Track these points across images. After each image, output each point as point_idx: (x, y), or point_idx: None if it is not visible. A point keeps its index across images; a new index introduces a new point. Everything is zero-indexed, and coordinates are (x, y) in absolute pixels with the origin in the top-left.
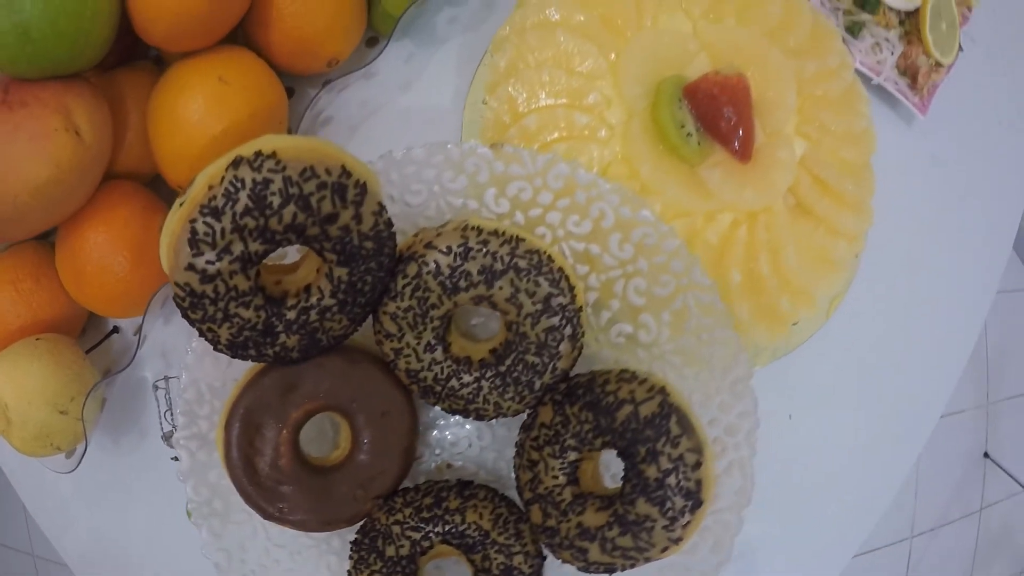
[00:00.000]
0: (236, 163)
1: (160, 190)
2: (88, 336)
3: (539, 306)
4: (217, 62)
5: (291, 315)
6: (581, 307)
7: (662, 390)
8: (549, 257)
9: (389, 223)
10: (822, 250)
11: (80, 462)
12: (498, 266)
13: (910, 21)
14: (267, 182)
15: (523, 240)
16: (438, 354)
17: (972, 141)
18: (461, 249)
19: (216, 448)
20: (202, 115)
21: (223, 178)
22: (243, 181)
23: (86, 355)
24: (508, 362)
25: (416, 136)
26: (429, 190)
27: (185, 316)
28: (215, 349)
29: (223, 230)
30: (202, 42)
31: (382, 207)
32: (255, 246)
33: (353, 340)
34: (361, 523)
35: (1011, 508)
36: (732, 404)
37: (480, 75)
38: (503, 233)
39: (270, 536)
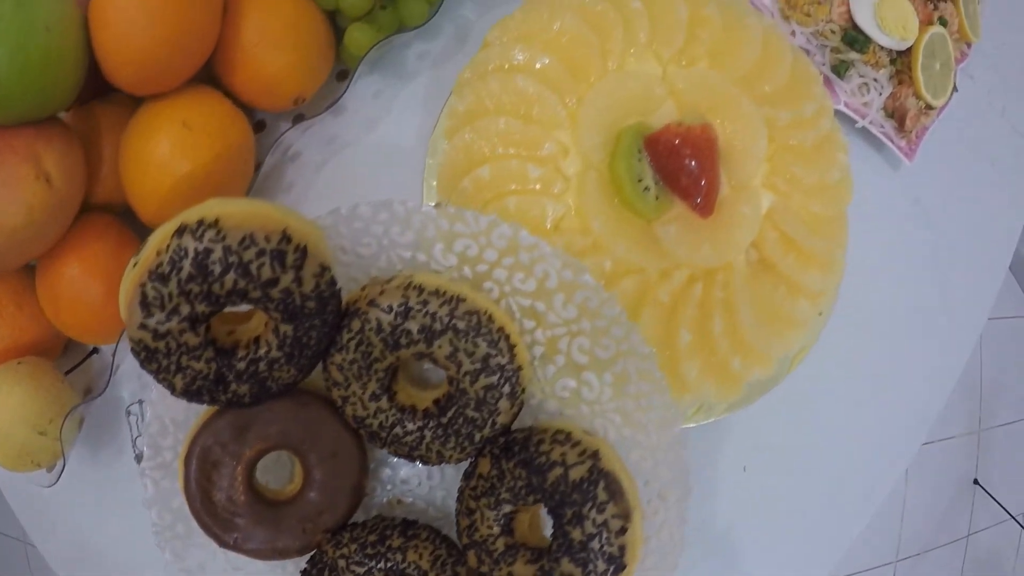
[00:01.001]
0: (180, 231)
1: (134, 220)
2: (69, 356)
3: (478, 365)
4: (182, 106)
5: (241, 366)
6: (521, 366)
7: (594, 454)
8: (490, 318)
9: (332, 282)
10: (782, 309)
11: (59, 478)
12: (437, 326)
13: (901, 60)
14: (208, 251)
15: (463, 300)
16: (383, 403)
17: (960, 185)
18: (401, 308)
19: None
20: (168, 159)
21: (168, 246)
22: (186, 250)
23: (65, 377)
24: (450, 414)
25: (381, 177)
26: (379, 243)
27: (142, 367)
28: (172, 394)
29: (170, 294)
30: (168, 85)
31: (324, 268)
32: (201, 307)
33: (307, 382)
34: (311, 554)
35: (999, 535)
36: (665, 470)
37: (443, 117)
38: (444, 293)
39: (229, 559)
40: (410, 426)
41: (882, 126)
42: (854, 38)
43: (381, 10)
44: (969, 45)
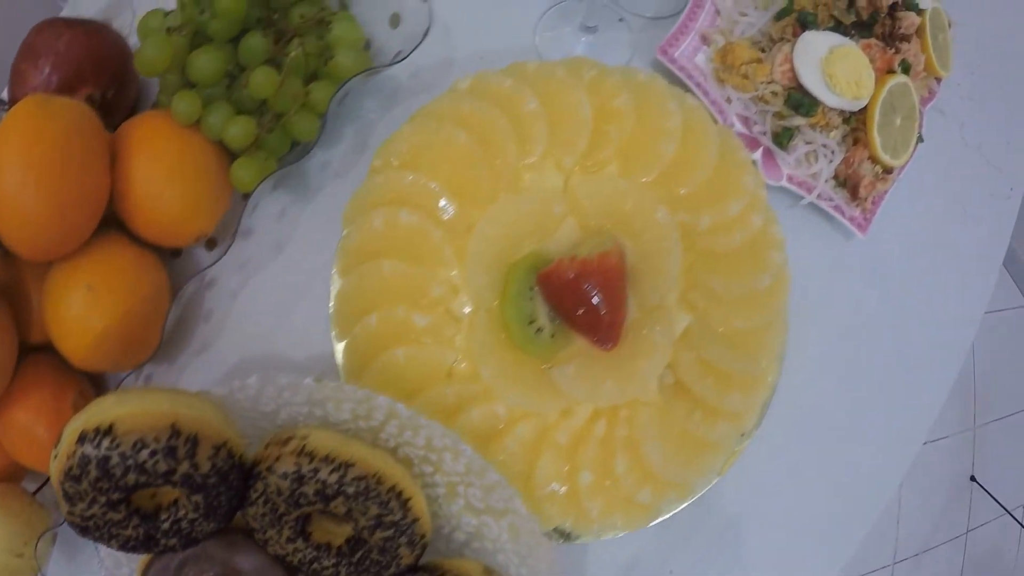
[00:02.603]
0: (81, 439)
1: None
2: (36, 473)
3: (373, 522)
4: (86, 267)
5: (166, 526)
6: (418, 518)
7: None
8: (379, 480)
9: (229, 455)
10: (698, 434)
11: None
12: (329, 491)
13: (856, 118)
14: (107, 458)
15: (352, 465)
16: (299, 544)
17: (926, 245)
18: (295, 475)
19: None
20: (80, 318)
21: (74, 451)
22: (88, 457)
23: (34, 497)
24: (359, 555)
25: (293, 304)
26: (276, 402)
27: (82, 536)
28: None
29: (85, 491)
30: (70, 247)
31: (217, 448)
32: (115, 496)
33: (238, 519)
34: None
35: (998, 529)
36: None
37: (336, 253)
38: (333, 459)
39: None
40: (326, 562)
41: (831, 198)
42: (799, 101)
43: (269, 134)
44: (939, 80)
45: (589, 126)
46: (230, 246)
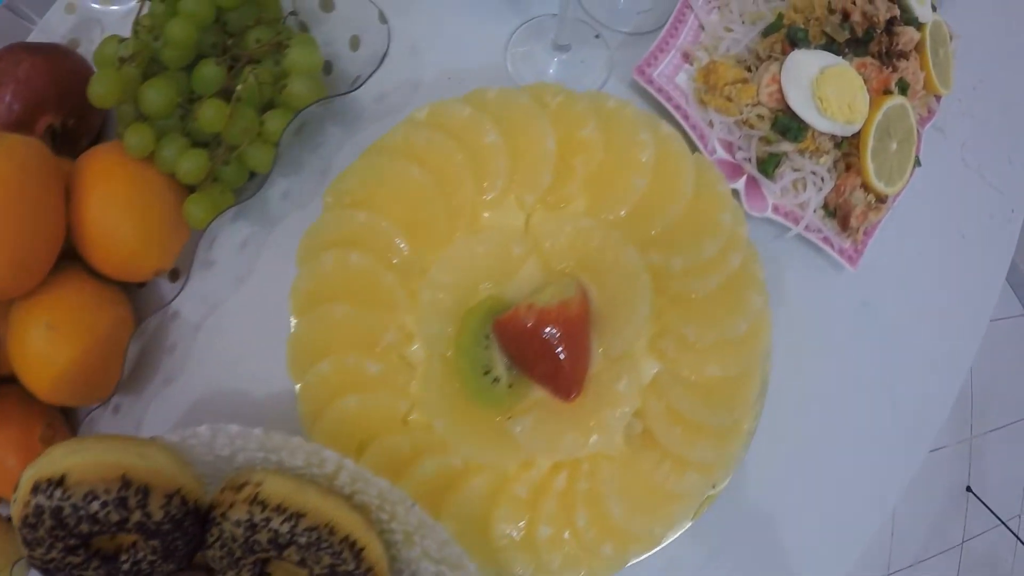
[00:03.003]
0: (35, 490)
1: None
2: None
3: (327, 571)
4: (46, 305)
5: (126, 567)
6: (372, 567)
7: None
8: (331, 530)
9: (183, 503)
10: (666, 486)
11: None
12: (282, 540)
13: (849, 143)
14: (60, 508)
15: (304, 516)
16: None
17: (921, 273)
18: (248, 523)
19: None
20: (42, 357)
21: (29, 501)
22: (42, 507)
23: (10, 523)
24: None
25: (254, 339)
26: (231, 447)
27: None
28: None
29: (42, 537)
30: (28, 285)
31: (170, 496)
32: (71, 542)
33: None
34: None
35: (994, 540)
36: None
37: (291, 293)
38: (285, 509)
39: None
40: None
41: (820, 230)
42: (787, 125)
43: (224, 166)
44: (938, 98)
45: (553, 159)
46: (187, 280)
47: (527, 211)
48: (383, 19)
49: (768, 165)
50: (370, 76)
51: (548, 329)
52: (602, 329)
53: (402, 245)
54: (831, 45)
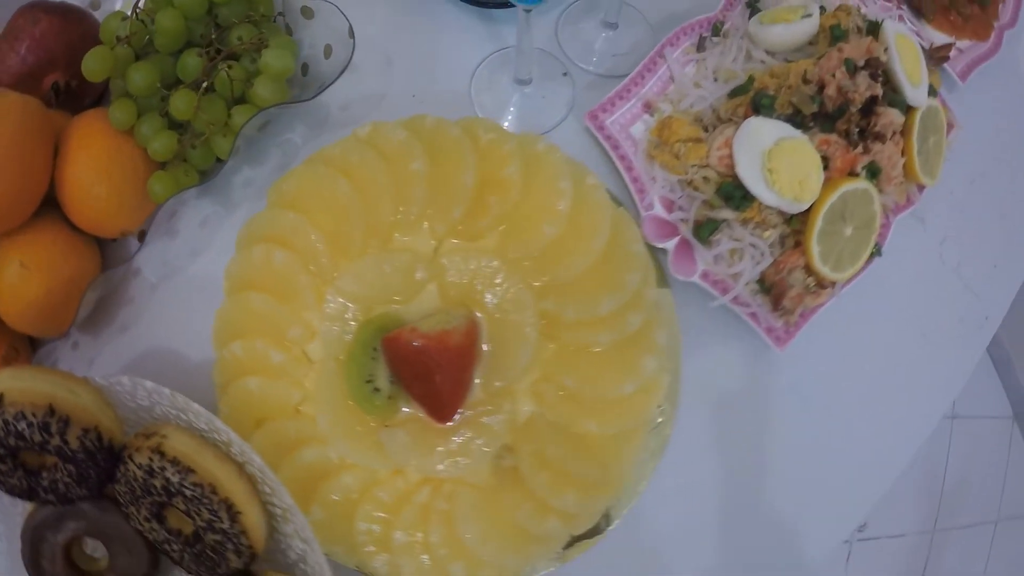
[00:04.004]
0: None
1: None
2: None
3: (204, 524)
4: (22, 245)
5: (45, 483)
6: (245, 530)
7: None
8: (213, 490)
9: (97, 438)
10: (526, 525)
11: None
12: (172, 489)
13: (800, 219)
14: None
15: (193, 472)
16: (154, 524)
17: (864, 369)
18: (147, 468)
19: None
20: (13, 289)
21: None
22: None
23: None
24: (198, 547)
25: (195, 309)
26: (150, 400)
27: None
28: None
29: None
30: (11, 224)
31: (87, 430)
32: (1, 451)
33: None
34: None
35: None
36: None
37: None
38: (179, 463)
39: None
40: (175, 546)
41: (748, 304)
42: (731, 192)
43: (192, 149)
44: (921, 188)
45: (469, 193)
46: (141, 246)
47: (438, 239)
48: (351, 34)
49: (704, 230)
50: (326, 88)
51: (428, 354)
52: (487, 364)
53: (321, 250)
54: (795, 116)
